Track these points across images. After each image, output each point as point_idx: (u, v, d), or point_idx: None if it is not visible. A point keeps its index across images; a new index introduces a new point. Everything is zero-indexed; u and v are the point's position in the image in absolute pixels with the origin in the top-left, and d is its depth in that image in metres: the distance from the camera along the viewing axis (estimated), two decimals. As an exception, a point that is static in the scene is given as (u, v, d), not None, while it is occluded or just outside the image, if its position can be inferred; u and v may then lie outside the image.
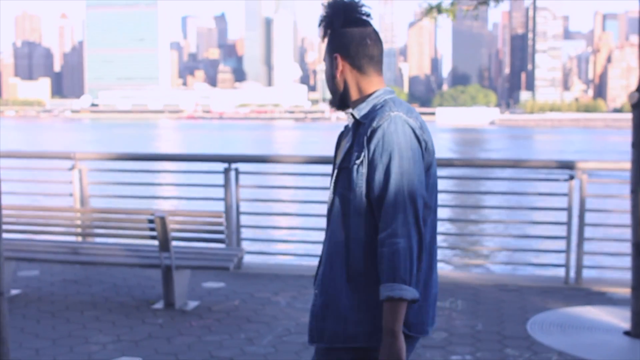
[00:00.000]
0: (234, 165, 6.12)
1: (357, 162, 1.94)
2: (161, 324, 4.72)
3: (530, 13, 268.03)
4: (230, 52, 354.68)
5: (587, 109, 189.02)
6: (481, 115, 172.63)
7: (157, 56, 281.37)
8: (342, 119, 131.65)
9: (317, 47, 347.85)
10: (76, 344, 4.33)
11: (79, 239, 6.36)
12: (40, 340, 4.37)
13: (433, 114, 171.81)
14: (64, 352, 4.18)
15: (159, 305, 5.09)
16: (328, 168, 7.71)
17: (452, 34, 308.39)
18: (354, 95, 2.04)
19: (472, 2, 5.46)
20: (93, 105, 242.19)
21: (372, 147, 1.91)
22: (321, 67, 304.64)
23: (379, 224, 1.90)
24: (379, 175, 1.89)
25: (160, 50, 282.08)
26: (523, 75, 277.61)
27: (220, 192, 6.21)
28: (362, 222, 1.93)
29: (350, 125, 2.03)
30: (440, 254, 9.65)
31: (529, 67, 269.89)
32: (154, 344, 4.32)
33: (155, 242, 4.99)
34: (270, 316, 4.90)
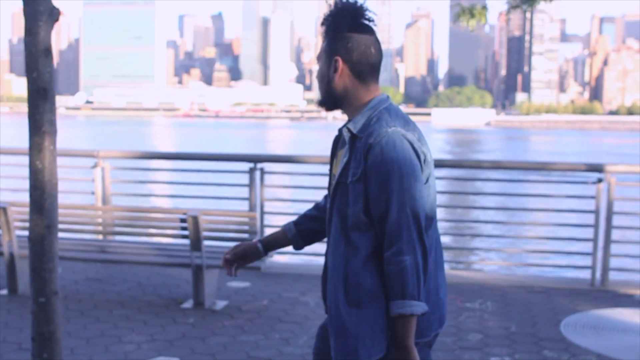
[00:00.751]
0: (259, 165, 6.08)
1: (354, 178, 1.92)
2: (193, 323, 4.68)
3: (528, 15, 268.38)
4: (226, 51, 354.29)
5: (583, 111, 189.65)
6: (477, 116, 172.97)
7: (153, 54, 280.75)
8: (338, 119, 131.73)
9: (313, 47, 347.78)
10: (110, 343, 4.28)
11: (100, 236, 6.32)
12: (73, 339, 4.33)
13: (429, 114, 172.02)
14: (99, 352, 4.14)
15: (188, 304, 5.05)
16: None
17: (449, 35, 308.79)
18: (348, 101, 2.02)
19: (507, 6, 5.46)
20: (88, 102, 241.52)
21: (369, 163, 1.89)
22: (317, 67, 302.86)
23: (382, 242, 1.90)
24: (379, 193, 1.88)
25: (156, 48, 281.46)
26: (519, 77, 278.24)
27: (241, 192, 6.17)
28: (360, 237, 1.93)
29: (346, 137, 1.99)
30: (466, 255, 9.59)
31: (526, 69, 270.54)
32: (189, 343, 4.28)
33: (185, 241, 4.95)
34: (301, 316, 4.87)
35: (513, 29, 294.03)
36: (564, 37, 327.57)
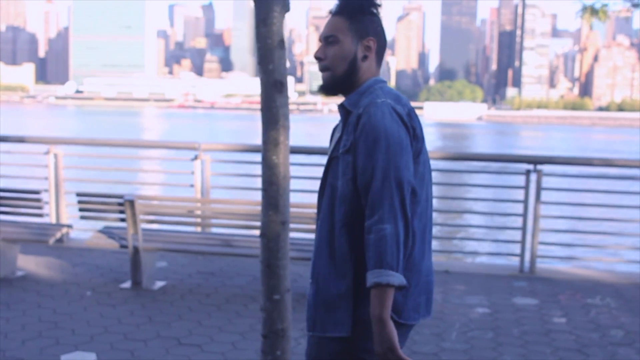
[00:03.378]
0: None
1: (344, 150, 1.92)
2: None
3: (520, 10, 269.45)
4: (217, 41, 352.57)
5: (574, 107, 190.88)
6: (469, 111, 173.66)
7: (143, 44, 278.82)
8: (334, 112, 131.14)
9: (304, 39, 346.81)
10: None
11: (205, 229, 6.30)
12: (226, 334, 4.33)
13: (421, 108, 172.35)
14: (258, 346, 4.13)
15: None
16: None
17: (440, 28, 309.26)
18: (358, 83, 2.01)
19: (626, 4, 5.50)
20: (78, 91, 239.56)
21: (357, 133, 1.89)
22: (309, 59, 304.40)
23: (365, 211, 1.87)
24: (364, 161, 1.87)
25: (146, 38, 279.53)
26: (510, 72, 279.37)
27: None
28: (347, 209, 1.91)
29: (340, 113, 2.02)
30: (576, 251, 9.51)
31: (516, 63, 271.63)
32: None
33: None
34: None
35: (504, 24, 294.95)
36: (555, 33, 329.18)
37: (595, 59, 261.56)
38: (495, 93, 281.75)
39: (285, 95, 2.84)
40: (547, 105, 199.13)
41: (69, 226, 5.63)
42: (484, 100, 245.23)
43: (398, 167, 1.85)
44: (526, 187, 5.94)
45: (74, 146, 7.24)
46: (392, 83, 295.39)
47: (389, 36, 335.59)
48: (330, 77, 2.01)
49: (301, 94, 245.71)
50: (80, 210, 5.30)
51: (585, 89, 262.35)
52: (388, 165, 1.84)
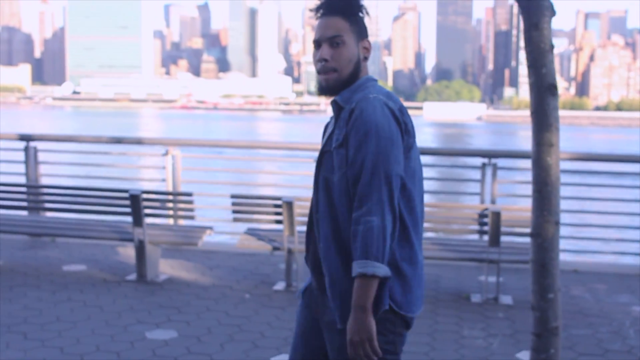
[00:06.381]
0: (493, 161, 6.18)
1: (337, 144, 1.97)
2: (501, 317, 4.79)
3: (515, 10, 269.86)
4: (213, 41, 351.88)
5: (573, 107, 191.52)
6: (468, 111, 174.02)
7: (139, 44, 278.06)
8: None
9: (301, 39, 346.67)
10: (450, 339, 4.37)
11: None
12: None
13: (420, 108, 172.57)
14: (446, 349, 4.22)
15: (476, 298, 5.14)
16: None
17: (436, 28, 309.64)
18: (354, 81, 2.06)
19: None
20: (75, 92, 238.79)
21: (349, 126, 1.94)
22: (306, 59, 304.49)
23: (354, 202, 1.93)
24: (355, 154, 1.92)
25: (143, 38, 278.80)
26: (507, 72, 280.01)
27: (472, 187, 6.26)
28: (347, 202, 1.96)
29: (333, 109, 2.06)
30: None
31: (513, 63, 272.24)
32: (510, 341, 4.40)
33: (473, 237, 5.05)
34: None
35: (500, 23, 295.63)
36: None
37: (592, 58, 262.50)
38: (492, 93, 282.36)
39: (557, 98, 2.97)
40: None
41: (210, 228, 5.71)
42: (482, 100, 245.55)
43: (388, 160, 1.90)
44: None
45: (191, 147, 7.27)
46: (389, 83, 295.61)
47: (385, 36, 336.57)
48: (337, 78, 2.04)
49: (299, 94, 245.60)
50: (234, 212, 5.38)
51: (582, 89, 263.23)
52: (377, 158, 1.89)
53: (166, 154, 6.69)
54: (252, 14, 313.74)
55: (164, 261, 6.05)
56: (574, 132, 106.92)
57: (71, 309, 4.82)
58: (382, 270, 1.87)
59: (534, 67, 2.90)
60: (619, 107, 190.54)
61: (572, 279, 5.81)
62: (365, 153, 1.90)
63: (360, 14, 2.06)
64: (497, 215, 4.78)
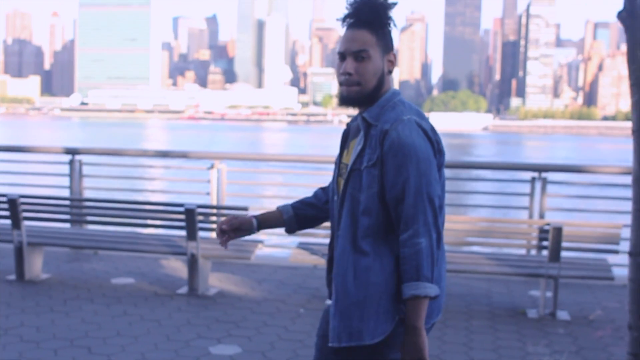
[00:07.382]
0: (543, 175, 6.17)
1: (369, 164, 1.98)
2: (562, 333, 4.76)
3: (523, 20, 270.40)
4: (221, 53, 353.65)
5: (580, 117, 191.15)
6: (475, 121, 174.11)
7: (148, 56, 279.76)
8: (344, 122, 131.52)
9: (307, 50, 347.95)
10: (516, 356, 4.35)
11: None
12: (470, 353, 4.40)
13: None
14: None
15: (533, 314, 5.12)
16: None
17: (443, 39, 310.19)
18: (379, 95, 2.05)
19: None
20: (83, 103, 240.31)
21: (386, 149, 1.95)
22: (312, 70, 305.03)
23: (397, 225, 1.96)
24: (395, 177, 1.94)
25: (151, 50, 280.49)
26: (514, 82, 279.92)
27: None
28: (371, 222, 1.98)
29: (361, 126, 2.04)
30: None
31: (520, 73, 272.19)
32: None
33: (532, 251, 5.03)
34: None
35: (508, 34, 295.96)
36: (558, 42, 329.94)
37: (600, 68, 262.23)
38: (499, 103, 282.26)
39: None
40: (553, 115, 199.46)
41: (261, 242, 5.71)
42: (488, 111, 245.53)
43: (429, 181, 1.94)
44: None
45: (236, 161, 7.29)
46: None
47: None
48: (359, 92, 2.03)
49: (304, 104, 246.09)
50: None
51: (590, 99, 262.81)
52: (420, 180, 1.92)
53: (212, 167, 6.71)
54: (260, 25, 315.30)
55: (212, 274, 6.05)
56: (581, 142, 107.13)
57: (129, 322, 4.82)
58: (434, 290, 1.92)
59: (637, 86, 2.88)
60: (627, 117, 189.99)
61: None
62: (407, 176, 1.92)
63: (388, 27, 2.05)
64: (558, 230, 4.76)
